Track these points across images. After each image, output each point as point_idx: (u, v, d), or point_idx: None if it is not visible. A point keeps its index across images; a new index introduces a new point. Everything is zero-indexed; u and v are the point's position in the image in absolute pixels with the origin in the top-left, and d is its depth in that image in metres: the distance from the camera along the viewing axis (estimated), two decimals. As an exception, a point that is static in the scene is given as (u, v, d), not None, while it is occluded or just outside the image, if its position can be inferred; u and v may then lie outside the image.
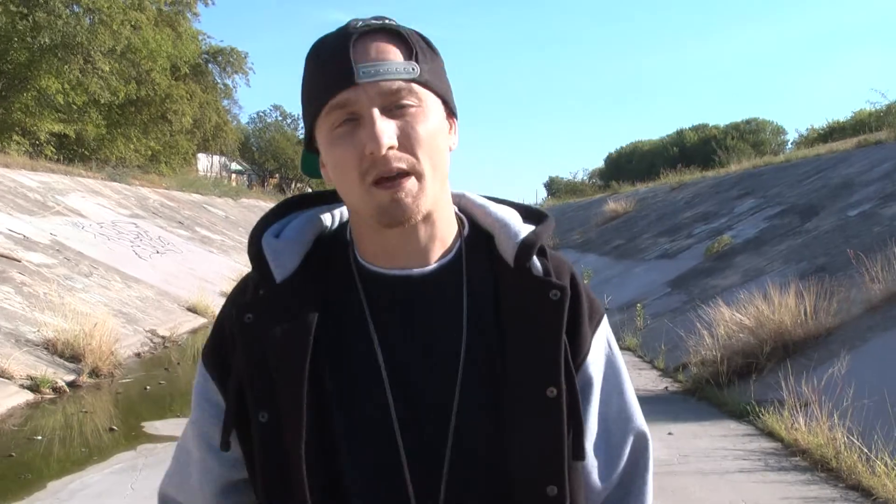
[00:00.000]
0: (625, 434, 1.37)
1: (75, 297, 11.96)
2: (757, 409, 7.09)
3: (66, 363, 9.20)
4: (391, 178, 1.19)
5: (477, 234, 1.35)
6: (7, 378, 8.15)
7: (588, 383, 1.31)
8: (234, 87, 44.42)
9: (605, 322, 1.38)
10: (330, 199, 1.40)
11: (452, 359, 1.24)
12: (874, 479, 5.23)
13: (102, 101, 28.38)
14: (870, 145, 18.68)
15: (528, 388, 1.23)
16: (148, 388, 9.19)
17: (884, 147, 17.47)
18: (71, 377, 8.86)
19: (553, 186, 73.15)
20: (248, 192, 47.26)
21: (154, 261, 17.86)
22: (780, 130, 57.21)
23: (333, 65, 1.19)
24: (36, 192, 19.10)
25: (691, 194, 25.42)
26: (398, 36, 1.22)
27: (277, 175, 69.20)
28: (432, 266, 1.29)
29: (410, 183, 1.19)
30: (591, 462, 1.33)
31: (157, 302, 14.55)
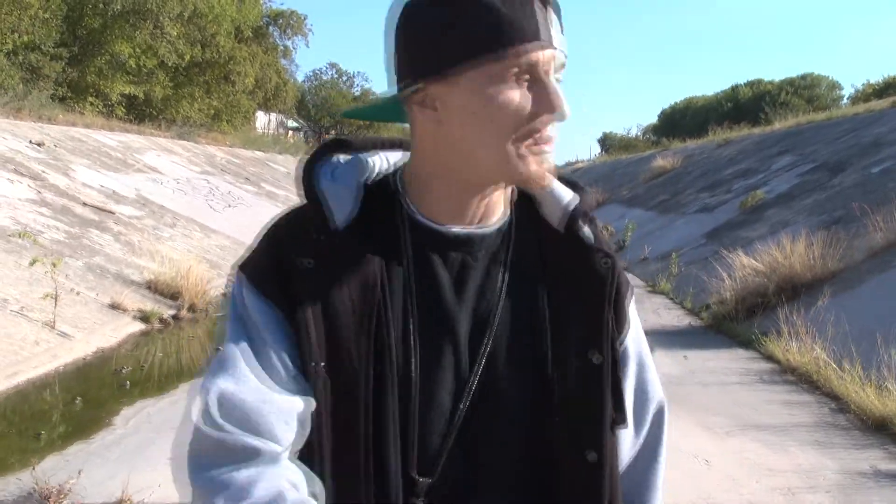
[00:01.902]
0: (648, 403, 1.39)
1: (165, 245, 13.38)
2: (761, 339, 8.29)
3: (167, 300, 10.62)
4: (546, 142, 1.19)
5: (523, 199, 1.34)
6: (122, 311, 9.61)
7: (626, 353, 1.34)
8: (294, 48, 45.79)
9: (633, 294, 1.40)
10: (371, 146, 1.35)
11: (515, 319, 1.26)
12: (843, 387, 6.43)
13: (170, 64, 29.85)
14: (906, 104, 19.49)
15: (573, 353, 1.24)
16: (240, 320, 10.63)
17: (915, 107, 18.29)
18: (172, 311, 10.28)
19: (607, 142, 73.04)
20: (306, 147, 48.58)
21: (227, 214, 19.30)
22: (835, 85, 56.76)
23: (534, 16, 1.14)
24: (117, 151, 20.60)
25: (735, 151, 26.13)
26: (558, 10, 1.19)
27: (333, 131, 70.38)
28: (493, 226, 1.29)
29: (551, 151, 1.20)
30: (622, 430, 1.33)
31: (234, 250, 15.98)
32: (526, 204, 1.33)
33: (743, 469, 5.02)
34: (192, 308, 10.58)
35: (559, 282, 1.28)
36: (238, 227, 18.11)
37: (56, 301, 8.29)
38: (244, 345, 1.19)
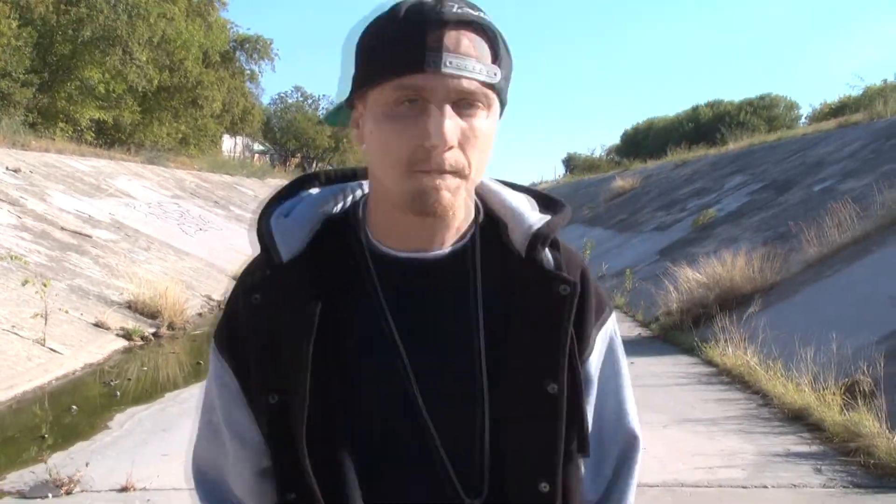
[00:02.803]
0: (616, 432, 1.37)
1: (141, 268, 13.90)
2: (702, 346, 9.01)
3: (147, 319, 11.18)
4: (439, 169, 1.17)
5: (490, 221, 1.33)
6: (106, 329, 10.16)
7: (589, 379, 1.32)
8: (261, 72, 46.46)
9: (611, 319, 1.38)
10: (340, 178, 1.39)
11: (465, 345, 1.25)
12: (768, 384, 7.14)
13: (139, 89, 30.33)
14: (848, 126, 20.40)
15: (526, 382, 1.23)
16: (216, 337, 11.23)
17: (856, 128, 19.15)
18: (153, 329, 10.84)
19: (571, 163, 72.86)
20: (273, 171, 49.09)
21: (198, 237, 19.84)
22: (793, 105, 57.62)
23: (418, 41, 1.13)
24: (90, 176, 21.09)
25: (691, 171, 26.79)
26: (487, 35, 1.18)
27: (299, 154, 70.61)
28: (445, 250, 1.28)
29: (452, 180, 1.18)
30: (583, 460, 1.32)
31: (207, 272, 16.54)
32: (493, 226, 1.32)
33: (672, 454, 5.69)
34: (171, 326, 11.16)
35: (519, 308, 1.26)
36: (210, 250, 18.66)
37: (46, 319, 8.85)
38: (218, 411, 1.34)
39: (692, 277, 10.95)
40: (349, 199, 1.37)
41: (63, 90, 28.20)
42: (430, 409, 1.22)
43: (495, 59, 1.18)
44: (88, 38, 27.46)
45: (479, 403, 1.23)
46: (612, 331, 1.38)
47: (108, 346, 9.71)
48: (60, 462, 5.46)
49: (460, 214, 1.28)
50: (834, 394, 6.26)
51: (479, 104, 1.18)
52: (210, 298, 14.23)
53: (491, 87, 1.18)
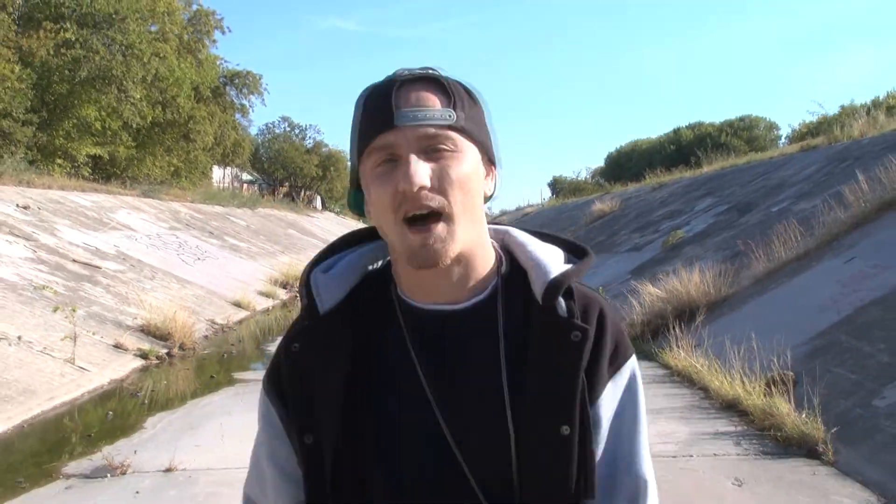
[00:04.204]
0: (625, 476, 1.39)
1: (149, 296, 14.97)
2: (659, 352, 10.15)
3: (159, 341, 12.25)
4: (422, 222, 1.27)
5: (516, 272, 1.41)
6: (124, 350, 11.25)
7: (598, 421, 1.36)
8: (251, 106, 47.67)
9: (629, 363, 1.43)
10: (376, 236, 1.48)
11: (489, 389, 1.33)
12: (710, 381, 8.27)
13: (133, 125, 31.41)
14: (809, 150, 21.56)
15: (544, 425, 1.30)
16: (225, 355, 12.34)
17: (815, 152, 20.32)
18: (166, 350, 11.92)
19: (557, 186, 73.29)
20: (262, 201, 49.86)
21: (197, 266, 20.90)
22: (773, 126, 58.00)
23: (377, 109, 1.29)
24: (92, 211, 22.16)
25: (667, 194, 27.78)
26: (438, 84, 1.31)
27: (287, 183, 71.59)
28: (465, 304, 1.37)
29: (440, 228, 1.27)
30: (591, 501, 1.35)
31: (208, 299, 17.62)
32: (519, 276, 1.40)
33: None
34: (181, 347, 12.25)
35: (536, 356, 1.32)
36: (209, 278, 19.73)
37: (75, 341, 9.95)
38: (264, 446, 1.47)
39: (653, 293, 12.11)
40: (388, 255, 1.47)
41: (61, 128, 29.14)
42: (457, 445, 1.31)
43: (448, 104, 1.30)
44: (85, 78, 28.49)
45: (505, 442, 1.30)
46: (630, 375, 1.43)
47: (128, 364, 10.79)
48: (109, 453, 6.54)
49: (476, 262, 1.39)
50: (758, 386, 7.40)
51: (445, 146, 1.28)
52: (213, 322, 15.31)
53: (449, 128, 1.29)
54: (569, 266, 1.39)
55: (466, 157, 1.30)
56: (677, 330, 10.02)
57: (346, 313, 1.37)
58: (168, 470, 6.17)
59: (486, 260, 1.40)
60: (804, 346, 8.29)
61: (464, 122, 1.30)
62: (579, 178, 68.77)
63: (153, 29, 33.65)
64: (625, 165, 59.61)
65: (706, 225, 18.78)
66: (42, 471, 6.38)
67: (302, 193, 71.37)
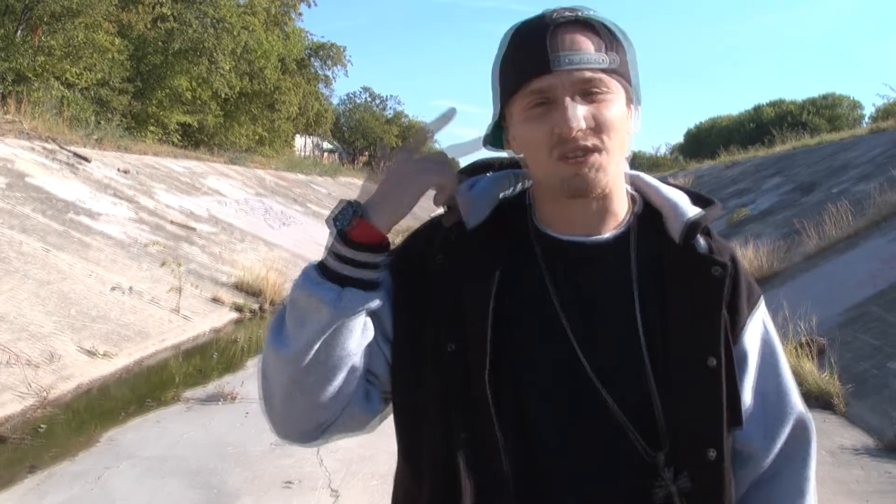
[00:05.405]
0: (783, 413, 1.43)
1: (240, 256, 16.18)
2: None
3: (252, 297, 13.43)
4: (577, 155, 1.29)
5: (648, 212, 1.45)
6: (221, 303, 12.46)
7: (743, 357, 1.40)
8: (334, 77, 48.92)
9: (761, 305, 1.46)
10: (508, 165, 1.52)
11: (622, 318, 1.35)
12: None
13: (222, 95, 32.82)
14: (878, 132, 21.83)
15: (690, 358, 1.32)
16: (310, 312, 13.52)
17: (883, 135, 20.66)
18: (257, 305, 13.09)
19: (636, 161, 71.94)
20: (342, 170, 50.82)
21: (283, 231, 22.09)
22: (856, 105, 56.61)
23: (532, 52, 1.30)
24: (185, 176, 23.51)
25: (738, 172, 28.39)
26: (591, 27, 1.31)
27: (366, 153, 72.43)
28: (605, 236, 1.40)
29: (594, 158, 1.30)
30: (749, 434, 1.40)
31: (294, 261, 18.78)
32: (652, 217, 1.45)
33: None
34: (272, 303, 13.42)
35: (677, 290, 1.36)
36: (295, 242, 20.93)
37: (180, 293, 11.16)
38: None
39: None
40: (519, 185, 1.51)
41: (154, 97, 30.60)
42: (594, 370, 1.32)
43: (601, 47, 1.31)
44: (178, 50, 29.89)
45: (641, 370, 1.33)
46: (763, 316, 1.46)
47: (225, 316, 11.98)
48: (220, 385, 7.67)
49: (617, 198, 1.42)
50: (790, 348, 8.21)
51: (599, 89, 1.31)
52: (299, 282, 16.47)
53: (603, 71, 1.31)
54: (703, 209, 1.43)
55: (618, 98, 1.34)
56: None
57: (489, 232, 1.40)
58: (270, 399, 7.28)
59: (623, 197, 1.44)
60: (839, 316, 9.05)
61: (617, 66, 1.33)
62: (658, 154, 68.07)
63: (242, 2, 35.03)
64: (704, 142, 58.58)
65: (770, 203, 19.33)
66: (164, 396, 7.55)
67: (382, 163, 71.78)
